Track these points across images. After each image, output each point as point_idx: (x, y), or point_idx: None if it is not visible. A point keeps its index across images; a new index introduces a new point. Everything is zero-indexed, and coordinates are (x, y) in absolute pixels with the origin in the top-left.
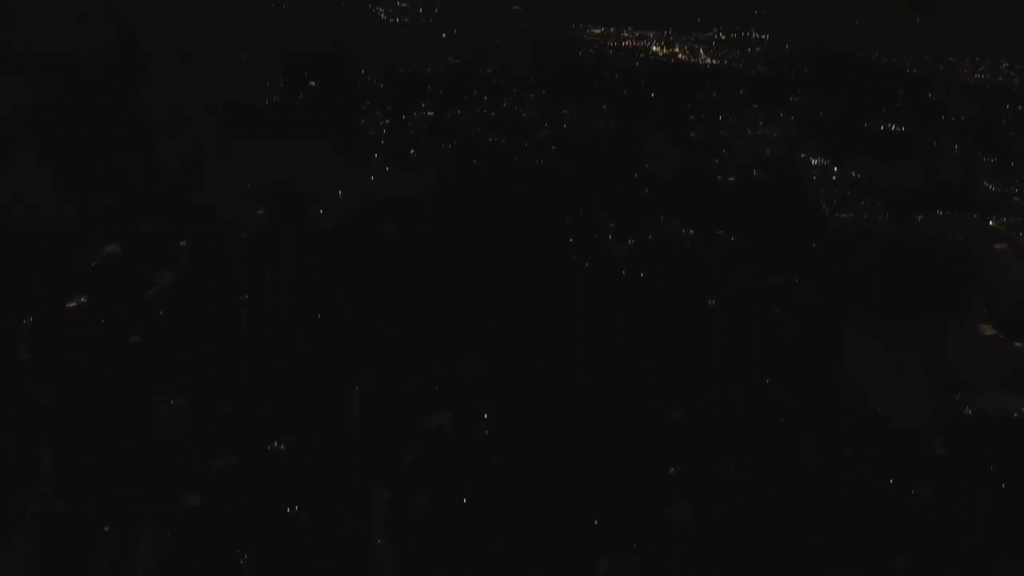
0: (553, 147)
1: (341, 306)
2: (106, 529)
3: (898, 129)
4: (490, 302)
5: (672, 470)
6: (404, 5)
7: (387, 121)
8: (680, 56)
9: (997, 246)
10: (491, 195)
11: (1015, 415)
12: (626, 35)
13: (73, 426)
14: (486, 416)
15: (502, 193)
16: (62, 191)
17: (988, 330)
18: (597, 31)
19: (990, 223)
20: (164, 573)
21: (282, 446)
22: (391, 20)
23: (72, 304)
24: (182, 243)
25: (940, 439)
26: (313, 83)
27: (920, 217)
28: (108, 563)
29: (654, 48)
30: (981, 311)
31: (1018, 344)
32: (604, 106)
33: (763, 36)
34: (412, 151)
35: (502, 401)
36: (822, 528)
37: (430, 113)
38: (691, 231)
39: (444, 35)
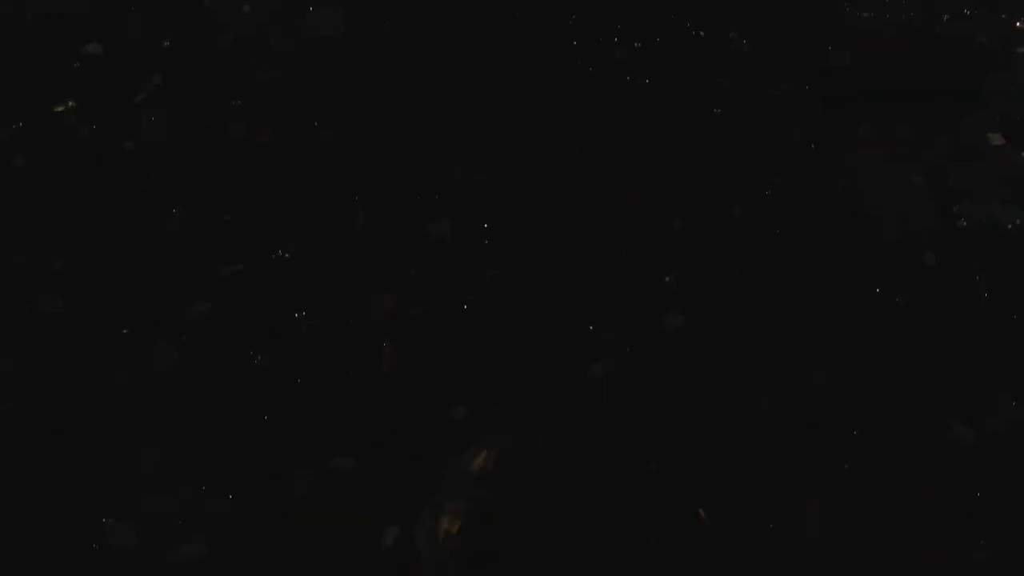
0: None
1: (339, 111)
2: (124, 332)
3: None
4: (489, 106)
5: (667, 278)
6: None
7: None
8: None
9: (1020, 50)
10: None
11: (1009, 226)
12: None
13: (76, 236)
14: (486, 226)
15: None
16: None
17: (997, 139)
18: None
19: (1017, 24)
20: (180, 376)
21: (287, 255)
22: None
23: (60, 108)
24: (165, 43)
25: (931, 250)
26: None
27: (946, 17)
28: (123, 370)
29: None
30: (993, 119)
31: None
32: None
33: None
34: None
35: (501, 212)
36: (807, 332)
37: None
38: (700, 32)
39: None
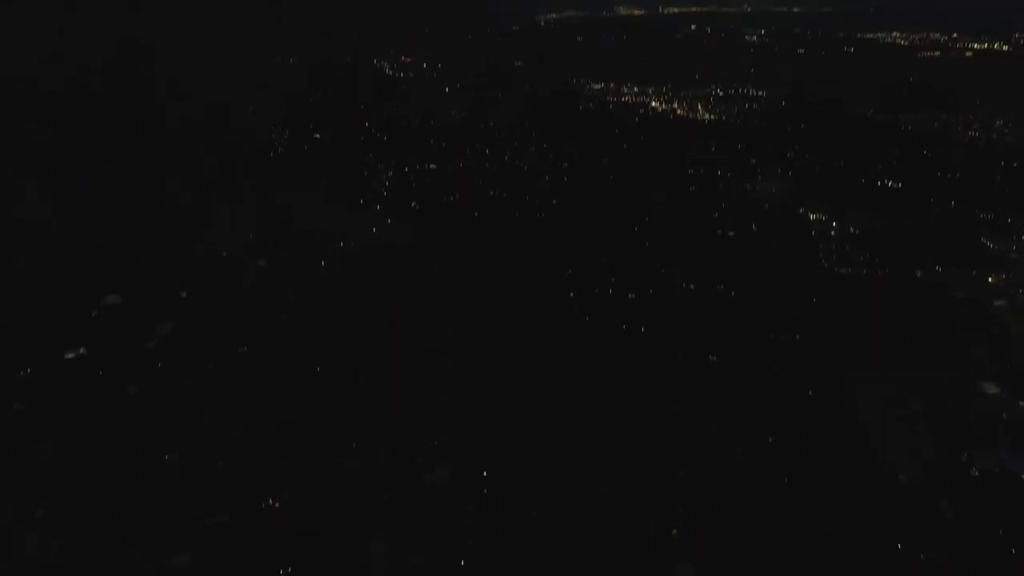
0: (553, 200)
1: (340, 359)
2: None
3: (895, 184)
4: (491, 355)
5: (674, 531)
6: (408, 61)
7: (390, 173)
8: (679, 111)
9: (997, 303)
10: (492, 246)
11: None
12: (625, 91)
13: (67, 480)
14: (485, 474)
15: (503, 243)
16: (65, 232)
17: (992, 388)
18: (597, 86)
19: (990, 279)
20: None
21: (277, 504)
22: (397, 75)
23: (71, 355)
24: (183, 294)
25: (947, 500)
26: (319, 135)
27: (920, 272)
28: None
29: (653, 103)
30: (984, 369)
31: (1022, 403)
32: (604, 159)
33: (759, 92)
34: (414, 203)
35: (501, 460)
36: None
37: (432, 166)
38: (692, 285)
39: (447, 90)
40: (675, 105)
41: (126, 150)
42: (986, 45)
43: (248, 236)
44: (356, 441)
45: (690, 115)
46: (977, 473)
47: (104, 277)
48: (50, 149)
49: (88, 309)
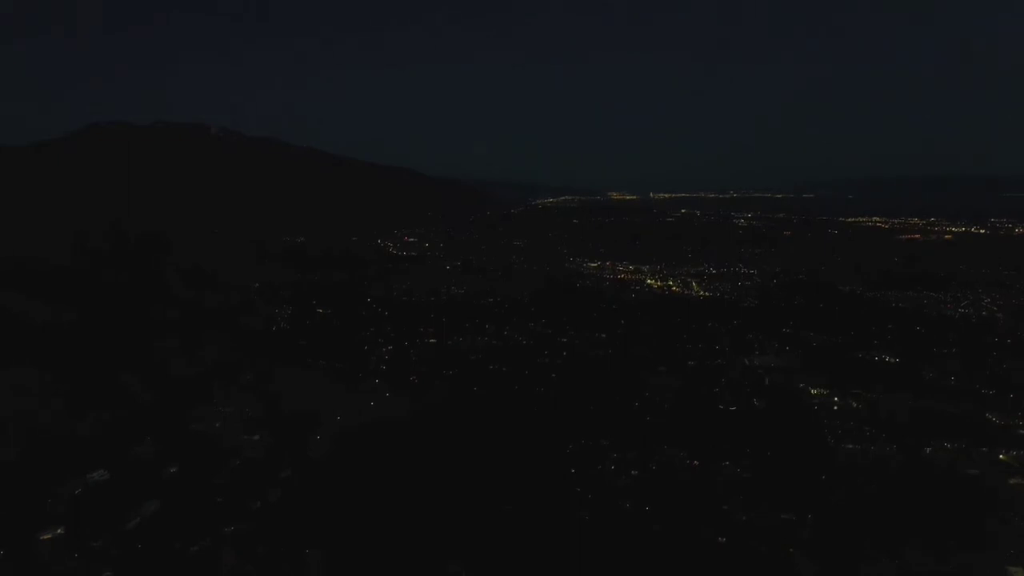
0: (553, 375)
1: (330, 540)
2: None
3: (892, 360)
4: (489, 534)
5: None
6: (411, 240)
7: (390, 348)
8: (674, 288)
9: (1012, 481)
10: (491, 422)
11: None
12: (622, 269)
13: None
14: None
15: (502, 420)
16: (62, 408)
17: (1019, 573)
18: (594, 264)
19: (1000, 456)
20: None
21: None
22: (399, 253)
23: (47, 536)
24: (172, 470)
25: None
26: (321, 310)
27: (928, 449)
28: None
29: (649, 280)
30: (1008, 551)
31: None
32: (602, 335)
33: (751, 271)
34: (413, 377)
35: None
36: None
37: (432, 340)
38: (695, 461)
39: (448, 267)
40: (670, 282)
41: (128, 330)
42: (964, 228)
43: (245, 411)
44: None
45: (685, 292)
46: None
47: (95, 452)
48: (53, 332)
49: (74, 486)
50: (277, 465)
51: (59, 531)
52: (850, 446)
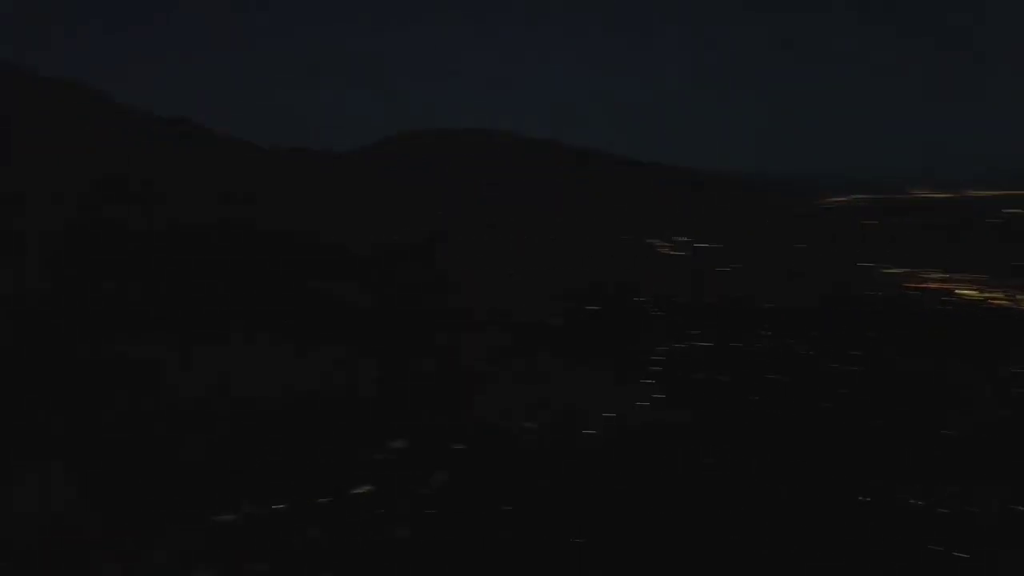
0: (842, 389)
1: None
2: None
3: None
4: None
5: None
6: (681, 239)
7: (662, 348)
8: (996, 300)
9: None
10: (766, 436)
11: None
12: (929, 277)
13: None
14: None
15: (778, 435)
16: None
17: None
18: (894, 271)
19: None
20: None
21: None
22: (668, 253)
23: (361, 491)
24: (458, 446)
25: None
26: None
27: None
28: None
29: (961, 291)
30: None
31: None
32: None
33: None
34: (687, 379)
35: None
36: None
37: (706, 343)
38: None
39: (718, 269)
40: (991, 294)
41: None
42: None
43: (522, 400)
44: None
45: (1011, 305)
46: None
47: (393, 423)
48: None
49: (376, 451)
50: (555, 453)
51: (368, 488)
52: None
